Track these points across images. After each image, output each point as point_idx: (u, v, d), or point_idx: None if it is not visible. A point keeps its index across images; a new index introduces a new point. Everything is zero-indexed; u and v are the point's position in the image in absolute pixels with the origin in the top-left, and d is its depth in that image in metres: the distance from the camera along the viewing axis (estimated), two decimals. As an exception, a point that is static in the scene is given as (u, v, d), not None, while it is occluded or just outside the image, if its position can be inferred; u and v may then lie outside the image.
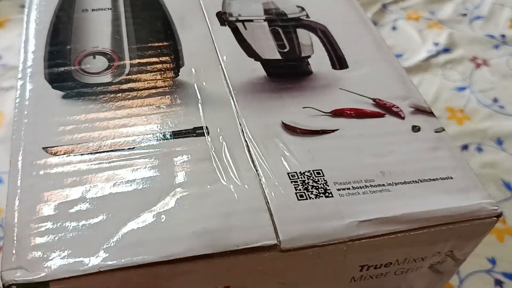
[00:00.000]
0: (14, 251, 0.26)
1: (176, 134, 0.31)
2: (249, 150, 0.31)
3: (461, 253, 0.31)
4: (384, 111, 0.34)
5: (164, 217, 0.27)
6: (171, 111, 0.33)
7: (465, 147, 0.57)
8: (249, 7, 0.41)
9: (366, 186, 0.29)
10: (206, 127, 0.32)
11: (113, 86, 0.34)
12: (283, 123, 0.32)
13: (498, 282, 0.46)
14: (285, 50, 0.38)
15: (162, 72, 0.36)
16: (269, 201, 0.28)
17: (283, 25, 0.40)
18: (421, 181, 0.30)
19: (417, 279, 0.33)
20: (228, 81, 0.35)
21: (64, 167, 0.29)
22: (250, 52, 0.38)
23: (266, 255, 0.27)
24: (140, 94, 0.34)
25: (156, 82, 0.35)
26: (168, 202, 0.28)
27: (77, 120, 0.32)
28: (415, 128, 0.33)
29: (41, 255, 0.25)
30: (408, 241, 0.29)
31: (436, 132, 0.33)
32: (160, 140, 0.31)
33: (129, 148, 0.30)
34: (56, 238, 0.26)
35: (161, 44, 0.38)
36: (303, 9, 0.42)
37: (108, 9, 0.40)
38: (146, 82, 0.35)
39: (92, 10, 0.40)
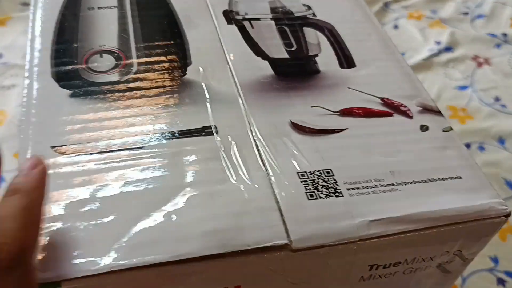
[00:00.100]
0: (25, 251, 0.25)
1: (185, 133, 0.31)
2: (258, 149, 0.31)
3: (469, 252, 0.31)
4: (392, 110, 0.34)
5: (175, 216, 0.27)
6: (180, 110, 0.33)
7: (467, 146, 0.57)
8: (255, 6, 0.41)
9: (375, 185, 0.30)
10: (215, 126, 0.32)
11: (121, 85, 0.34)
12: (291, 122, 0.32)
13: (500, 281, 0.47)
14: (292, 49, 0.38)
15: (170, 71, 0.35)
16: (279, 200, 0.28)
17: (290, 23, 0.40)
18: (430, 180, 0.30)
19: (425, 278, 0.33)
20: (236, 80, 0.35)
21: (73, 167, 0.29)
22: (257, 50, 0.37)
23: (277, 254, 0.27)
24: (148, 93, 0.34)
25: (164, 81, 0.35)
26: (178, 202, 0.28)
27: (86, 119, 0.32)
28: (423, 128, 0.33)
29: (52, 255, 0.25)
30: (417, 241, 0.29)
31: (444, 131, 0.33)
32: (169, 139, 0.31)
33: (138, 147, 0.30)
34: (67, 238, 0.26)
35: (168, 42, 0.38)
36: (309, 7, 0.42)
37: (114, 7, 0.40)
38: (154, 81, 0.35)
39: (98, 8, 0.40)
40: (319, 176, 0.30)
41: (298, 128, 0.32)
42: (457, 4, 0.74)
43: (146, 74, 0.35)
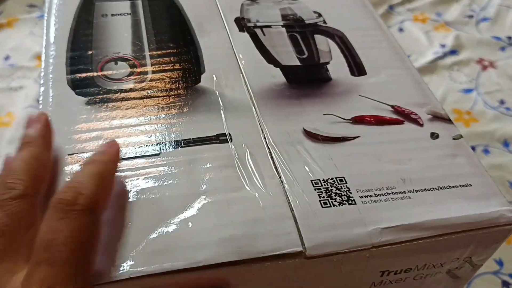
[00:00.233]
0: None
1: (200, 141, 0.32)
2: (272, 157, 0.31)
3: (479, 259, 0.32)
4: (403, 118, 0.34)
5: (191, 224, 0.27)
6: (194, 117, 0.33)
7: (472, 149, 0.57)
8: (267, 13, 0.42)
9: (387, 193, 0.30)
10: (229, 133, 0.32)
11: (135, 93, 0.34)
12: (304, 129, 0.33)
13: (505, 284, 0.47)
14: (304, 56, 0.38)
15: (184, 79, 0.36)
16: (293, 208, 0.29)
17: (301, 31, 0.40)
18: (440, 188, 0.31)
19: (435, 284, 0.33)
20: (249, 87, 0.36)
21: (91, 174, 0.29)
22: (269, 58, 0.38)
23: (291, 261, 0.27)
24: (162, 101, 0.34)
25: (178, 88, 0.35)
26: (194, 209, 0.28)
27: (102, 127, 0.32)
28: (434, 135, 0.34)
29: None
30: (428, 248, 0.29)
31: (454, 139, 0.34)
32: (184, 146, 0.31)
33: (153, 155, 0.31)
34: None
35: (181, 50, 0.38)
36: (320, 15, 0.42)
37: (127, 14, 0.41)
38: (168, 88, 0.35)
39: (112, 15, 0.40)
40: (333, 184, 0.30)
41: (311, 136, 0.33)
42: (462, 7, 0.74)
43: (161, 81, 0.35)
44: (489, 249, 0.31)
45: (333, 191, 0.30)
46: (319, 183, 0.30)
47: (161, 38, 0.39)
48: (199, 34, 0.39)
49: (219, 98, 0.35)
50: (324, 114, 0.34)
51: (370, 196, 0.30)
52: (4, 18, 0.71)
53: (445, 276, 0.33)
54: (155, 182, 0.29)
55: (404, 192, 0.30)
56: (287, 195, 0.29)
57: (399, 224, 0.28)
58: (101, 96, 0.34)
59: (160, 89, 0.35)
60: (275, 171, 0.31)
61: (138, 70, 0.36)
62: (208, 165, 0.30)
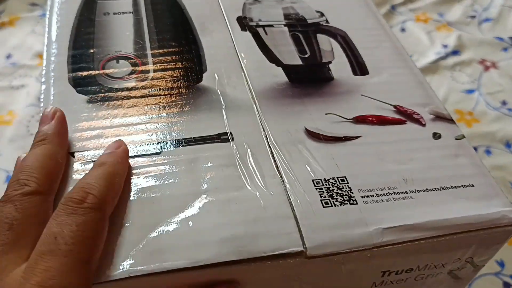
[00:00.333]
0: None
1: (201, 140, 0.32)
2: (273, 156, 0.31)
3: (480, 259, 0.32)
4: (405, 118, 0.34)
5: (191, 223, 0.27)
6: (196, 116, 0.33)
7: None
8: (269, 12, 0.42)
9: (389, 193, 0.30)
10: (231, 132, 0.32)
11: (137, 91, 0.34)
12: (306, 129, 0.33)
13: (506, 285, 0.47)
14: (306, 56, 0.38)
15: (186, 77, 0.36)
16: (294, 208, 0.29)
17: (303, 30, 0.40)
18: (442, 188, 0.31)
19: (436, 284, 0.33)
20: (251, 86, 0.35)
21: (92, 173, 0.29)
22: (272, 57, 0.38)
23: (292, 261, 0.27)
24: (164, 100, 0.34)
25: (180, 87, 0.35)
26: (195, 208, 0.28)
27: (103, 125, 0.32)
28: (436, 135, 0.34)
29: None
30: (430, 248, 0.29)
31: (456, 139, 0.34)
32: (185, 145, 0.31)
33: (154, 154, 0.31)
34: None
35: (183, 49, 0.38)
36: (322, 14, 0.42)
37: (130, 12, 0.40)
38: (170, 87, 0.35)
39: (114, 13, 0.40)
40: (334, 183, 0.30)
41: (313, 135, 0.32)
42: (464, 8, 0.74)
43: (162, 80, 0.35)
44: (490, 249, 0.31)
45: (335, 191, 0.29)
46: (321, 182, 0.30)
47: (163, 36, 0.39)
48: (201, 33, 0.39)
49: (221, 97, 0.35)
50: (326, 114, 0.34)
51: (372, 196, 0.30)
52: (6, 16, 0.71)
53: (446, 277, 0.33)
54: (156, 181, 0.29)
55: (406, 192, 0.30)
56: (288, 195, 0.29)
57: (401, 225, 0.28)
58: (103, 94, 0.34)
59: (161, 87, 0.35)
60: (276, 170, 0.30)
61: (140, 68, 0.36)
62: (209, 164, 0.30)
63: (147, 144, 0.31)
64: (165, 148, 0.31)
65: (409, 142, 0.33)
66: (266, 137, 0.32)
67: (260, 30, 0.40)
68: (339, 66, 0.38)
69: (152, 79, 0.35)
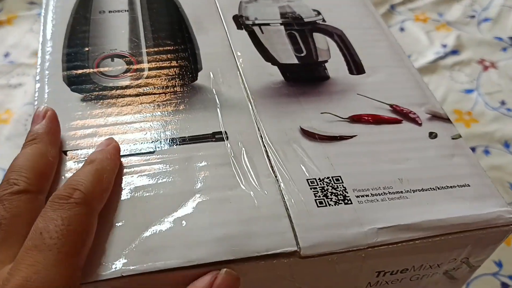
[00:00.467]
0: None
1: (196, 139, 0.32)
2: (268, 156, 0.31)
3: (476, 260, 0.31)
4: (401, 117, 0.34)
5: (185, 222, 0.27)
6: (190, 115, 0.33)
7: (472, 150, 0.57)
8: (265, 11, 0.41)
9: (384, 193, 0.30)
10: (225, 131, 0.32)
11: (131, 90, 0.34)
12: (301, 128, 0.33)
13: (504, 285, 0.47)
14: (302, 55, 0.38)
15: (181, 76, 0.36)
16: (288, 207, 0.28)
17: (299, 29, 0.40)
18: (438, 188, 0.30)
19: (432, 284, 0.33)
20: (246, 85, 0.35)
21: (85, 171, 0.29)
22: (267, 56, 0.38)
23: (286, 261, 0.27)
24: (159, 98, 0.34)
25: (175, 86, 0.35)
26: (188, 207, 0.28)
27: (97, 124, 0.32)
28: (432, 135, 0.33)
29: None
30: (425, 248, 0.29)
31: (453, 138, 0.33)
32: (179, 144, 0.31)
33: (148, 153, 0.31)
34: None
35: (178, 47, 0.38)
36: (319, 13, 0.42)
37: (125, 11, 0.40)
38: (165, 86, 0.35)
39: (109, 11, 0.40)
40: (329, 183, 0.30)
41: (308, 134, 0.32)
42: (463, 7, 0.74)
43: (157, 79, 0.35)
44: (486, 250, 0.31)
45: (329, 190, 0.29)
46: (315, 182, 0.30)
47: (158, 35, 0.39)
48: (196, 31, 0.39)
49: (216, 96, 0.34)
50: (322, 113, 0.34)
51: (367, 195, 0.29)
52: (4, 15, 0.71)
53: (442, 277, 0.32)
54: (149, 180, 0.29)
55: (401, 192, 0.30)
56: (282, 194, 0.29)
57: (396, 224, 0.28)
58: (97, 93, 0.34)
59: (156, 86, 0.35)
60: (270, 169, 0.30)
61: (135, 67, 0.36)
62: (203, 163, 0.30)
63: (141, 142, 0.31)
64: (159, 147, 0.31)
65: (405, 141, 0.33)
66: (261, 136, 0.32)
67: (256, 28, 0.40)
68: (335, 65, 0.38)
69: (147, 77, 0.35)
